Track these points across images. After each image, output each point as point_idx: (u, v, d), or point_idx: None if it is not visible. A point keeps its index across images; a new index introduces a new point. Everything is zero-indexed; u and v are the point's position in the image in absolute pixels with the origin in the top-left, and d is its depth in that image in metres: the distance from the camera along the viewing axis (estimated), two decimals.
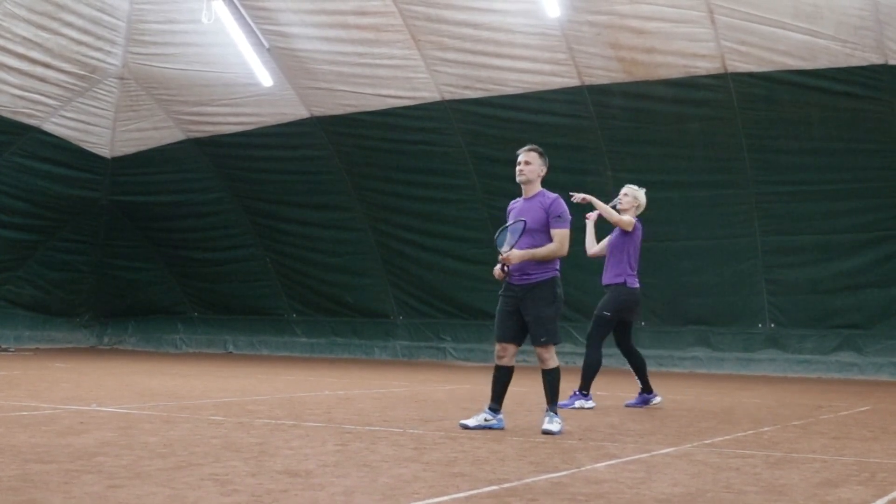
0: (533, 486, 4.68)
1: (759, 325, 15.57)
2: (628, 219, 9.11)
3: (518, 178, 7.04)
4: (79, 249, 19.74)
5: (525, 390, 10.06)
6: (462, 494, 4.38)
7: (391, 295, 18.16)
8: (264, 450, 5.56)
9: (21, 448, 5.34)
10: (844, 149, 14.38)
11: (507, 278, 6.91)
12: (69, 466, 4.78)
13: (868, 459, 5.91)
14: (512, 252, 6.78)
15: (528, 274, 6.86)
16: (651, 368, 16.42)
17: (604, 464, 5.45)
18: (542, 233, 6.86)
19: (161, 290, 20.46)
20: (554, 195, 6.98)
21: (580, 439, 6.55)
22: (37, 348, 18.90)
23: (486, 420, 6.94)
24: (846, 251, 14.90)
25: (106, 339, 20.85)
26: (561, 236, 6.87)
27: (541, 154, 7.07)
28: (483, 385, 11.15)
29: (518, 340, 7.00)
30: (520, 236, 6.81)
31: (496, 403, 7.01)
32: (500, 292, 7.06)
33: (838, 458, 5.96)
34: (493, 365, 7.13)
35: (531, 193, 7.02)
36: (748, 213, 15.13)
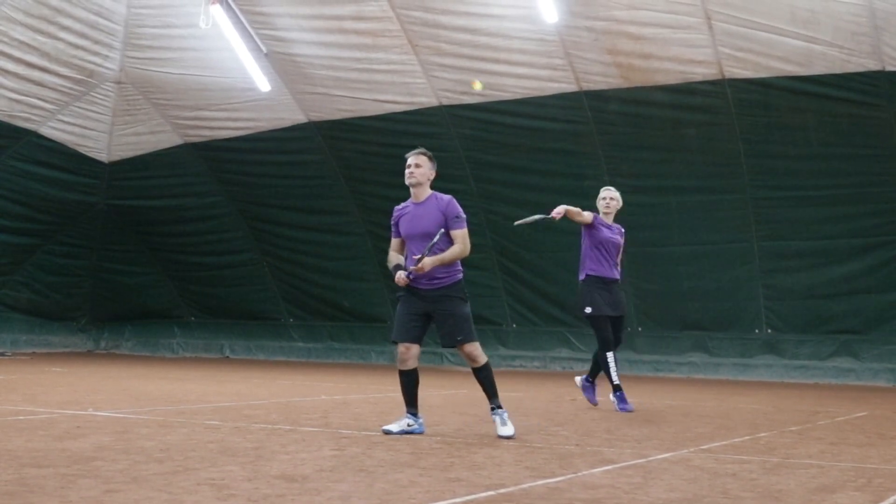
0: (530, 491, 4.68)
1: (756, 331, 15.58)
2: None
3: (408, 181, 6.97)
4: (76, 253, 19.72)
5: (520, 395, 10.06)
6: (459, 500, 4.38)
7: (388, 299, 18.15)
8: (261, 454, 5.56)
9: (17, 452, 5.33)
10: (841, 154, 14.41)
11: (412, 284, 6.85)
12: (66, 471, 4.77)
13: (865, 465, 5.91)
14: (423, 262, 6.73)
15: (438, 278, 6.85)
16: (648, 373, 16.49)
17: (601, 469, 5.45)
18: (444, 236, 6.84)
19: (158, 295, 20.44)
20: (448, 196, 6.96)
21: (577, 445, 6.55)
22: (33, 352, 18.89)
23: (408, 425, 6.90)
24: (843, 256, 14.91)
25: (103, 343, 20.84)
26: (463, 236, 6.89)
27: (430, 157, 7.03)
28: (478, 390, 11.16)
29: (420, 342, 6.98)
30: (432, 245, 6.75)
31: (413, 408, 6.99)
32: (399, 295, 7.00)
33: (835, 463, 5.96)
34: (398, 370, 7.02)
35: (423, 197, 6.97)
36: (745, 219, 15.14)
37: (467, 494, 4.50)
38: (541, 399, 10.44)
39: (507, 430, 6.77)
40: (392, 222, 7.13)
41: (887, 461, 6.13)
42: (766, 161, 14.77)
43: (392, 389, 11.64)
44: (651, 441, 6.88)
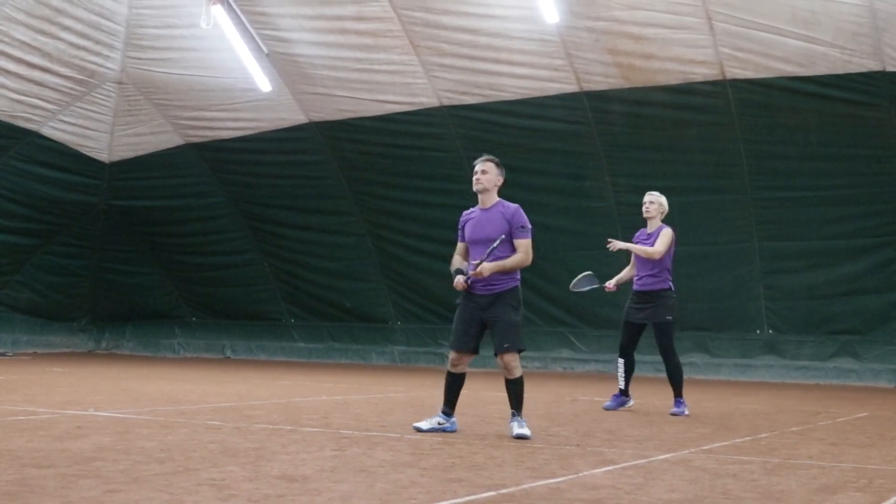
0: (530, 491, 4.68)
1: (757, 331, 15.57)
2: (662, 248, 9.17)
3: (475, 188, 7.05)
4: (77, 254, 19.73)
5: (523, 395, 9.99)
6: (459, 500, 4.38)
7: (389, 300, 18.16)
8: (262, 455, 5.56)
9: (18, 453, 5.33)
10: (842, 155, 14.40)
11: (469, 289, 6.93)
12: (66, 471, 4.77)
13: (866, 466, 5.91)
14: (482, 266, 6.79)
15: (493, 284, 6.89)
16: (648, 374, 16.45)
17: (601, 470, 5.45)
18: (505, 243, 6.87)
19: (159, 295, 20.44)
20: (514, 205, 7.00)
21: (578, 445, 6.55)
22: (34, 353, 18.89)
23: (439, 423, 7.00)
24: (844, 257, 14.91)
25: (103, 344, 20.84)
26: (526, 246, 6.92)
27: (497, 164, 7.09)
28: (481, 391, 11.16)
29: (475, 350, 7.04)
30: (492, 251, 6.81)
31: (449, 408, 7.07)
32: (458, 301, 7.07)
33: (836, 464, 5.96)
34: (447, 371, 7.13)
35: (489, 204, 7.04)
36: (746, 219, 15.14)
37: (468, 495, 4.50)
38: (541, 399, 10.44)
39: (524, 430, 6.79)
40: (458, 226, 7.21)
41: (888, 462, 6.13)
42: (767, 161, 14.77)
43: (392, 390, 11.66)
44: (652, 441, 6.88)
